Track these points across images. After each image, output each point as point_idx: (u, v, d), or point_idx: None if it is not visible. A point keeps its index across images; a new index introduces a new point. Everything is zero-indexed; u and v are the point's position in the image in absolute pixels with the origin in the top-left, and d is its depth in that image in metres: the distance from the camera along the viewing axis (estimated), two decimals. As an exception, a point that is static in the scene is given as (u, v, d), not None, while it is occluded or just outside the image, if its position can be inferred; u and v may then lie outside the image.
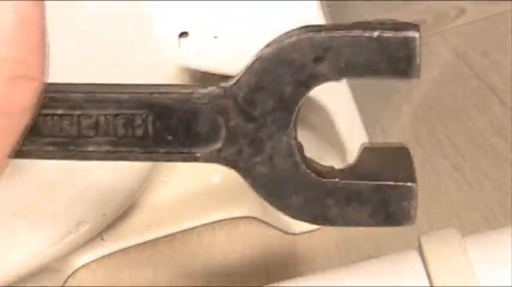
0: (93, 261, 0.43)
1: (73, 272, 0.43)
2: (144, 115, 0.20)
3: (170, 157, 0.21)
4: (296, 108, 0.20)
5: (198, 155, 0.21)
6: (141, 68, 0.35)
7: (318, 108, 0.37)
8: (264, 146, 0.20)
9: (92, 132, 0.21)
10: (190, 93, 0.20)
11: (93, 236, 0.39)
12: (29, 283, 0.39)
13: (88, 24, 0.33)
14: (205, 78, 0.41)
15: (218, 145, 0.21)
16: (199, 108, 0.20)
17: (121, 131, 0.21)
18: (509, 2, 0.57)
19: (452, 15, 0.59)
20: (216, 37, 0.34)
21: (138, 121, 0.20)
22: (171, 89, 0.20)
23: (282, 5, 0.34)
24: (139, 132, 0.21)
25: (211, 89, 0.20)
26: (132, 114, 0.20)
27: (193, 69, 0.36)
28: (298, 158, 0.20)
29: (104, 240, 0.43)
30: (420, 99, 0.50)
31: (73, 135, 0.21)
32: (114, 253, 0.44)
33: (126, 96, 0.20)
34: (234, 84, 0.20)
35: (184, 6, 0.33)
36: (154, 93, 0.20)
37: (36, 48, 0.19)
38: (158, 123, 0.20)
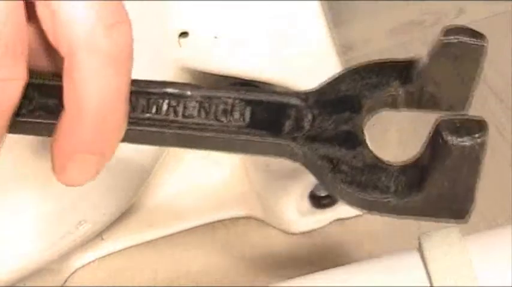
0: (93, 261, 0.43)
1: (73, 272, 0.43)
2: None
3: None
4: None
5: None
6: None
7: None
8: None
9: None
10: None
11: (93, 236, 0.39)
12: (28, 283, 0.39)
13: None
14: (205, 78, 0.41)
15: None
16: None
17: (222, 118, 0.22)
18: (509, 2, 0.57)
19: (452, 15, 0.59)
20: (216, 37, 0.34)
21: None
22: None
23: (282, 5, 0.34)
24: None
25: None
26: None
27: (193, 69, 0.36)
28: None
29: (103, 240, 0.43)
30: (420, 99, 0.49)
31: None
32: (114, 253, 0.44)
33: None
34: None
35: (184, 6, 0.33)
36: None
37: None
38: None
